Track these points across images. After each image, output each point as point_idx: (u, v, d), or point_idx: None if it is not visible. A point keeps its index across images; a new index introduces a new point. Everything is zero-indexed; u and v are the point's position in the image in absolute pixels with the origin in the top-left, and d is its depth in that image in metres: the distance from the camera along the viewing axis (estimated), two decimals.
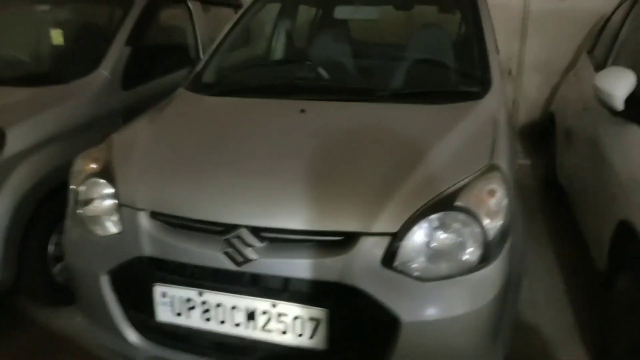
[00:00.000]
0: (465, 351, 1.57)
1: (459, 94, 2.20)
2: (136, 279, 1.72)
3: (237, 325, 1.63)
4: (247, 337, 1.64)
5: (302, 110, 2.06)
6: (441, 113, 2.05)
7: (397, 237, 1.51)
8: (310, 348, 1.59)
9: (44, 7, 3.38)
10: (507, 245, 1.59)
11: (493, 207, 1.60)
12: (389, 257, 1.51)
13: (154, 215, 1.70)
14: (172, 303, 1.68)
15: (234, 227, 1.59)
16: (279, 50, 3.05)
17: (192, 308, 1.66)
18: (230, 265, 1.58)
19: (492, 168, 1.70)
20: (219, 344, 1.69)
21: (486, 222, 1.56)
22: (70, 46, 3.17)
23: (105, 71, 2.92)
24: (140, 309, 1.74)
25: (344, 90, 2.30)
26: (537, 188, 4.25)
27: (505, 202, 1.62)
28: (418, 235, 1.52)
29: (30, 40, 3.27)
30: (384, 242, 1.51)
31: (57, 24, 3.28)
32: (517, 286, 1.75)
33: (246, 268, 1.57)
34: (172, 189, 1.73)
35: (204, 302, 1.65)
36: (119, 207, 1.75)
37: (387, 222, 1.53)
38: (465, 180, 1.62)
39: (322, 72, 2.37)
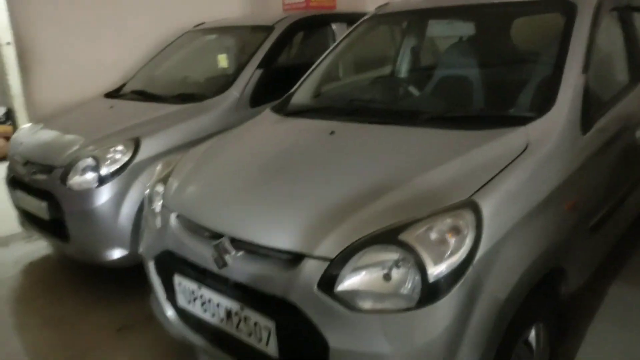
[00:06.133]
0: None
1: (505, 118, 2.01)
2: (166, 268, 2.10)
3: (222, 320, 1.87)
4: (229, 332, 1.86)
5: (332, 133, 2.17)
6: (466, 140, 1.91)
7: (333, 264, 1.54)
8: (267, 354, 1.73)
9: (211, 37, 4.12)
10: (461, 286, 1.46)
11: (450, 246, 1.49)
12: (326, 282, 1.55)
13: (178, 216, 2.05)
14: (184, 292, 2.01)
15: (221, 235, 1.83)
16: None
17: (195, 299, 1.96)
18: (214, 267, 1.82)
19: (466, 205, 1.56)
20: (215, 333, 1.95)
21: (429, 261, 1.46)
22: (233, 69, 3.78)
23: (235, 91, 3.45)
24: (170, 292, 2.12)
25: (389, 113, 2.31)
26: None
27: (468, 243, 1.49)
28: (353, 264, 1.52)
29: (193, 65, 4.03)
30: (323, 266, 1.56)
31: (219, 51, 3.96)
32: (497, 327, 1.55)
33: (224, 272, 1.80)
34: (192, 197, 2.07)
35: (201, 296, 1.93)
36: (162, 207, 2.16)
37: (328, 248, 1.57)
38: (424, 214, 1.54)
39: (385, 95, 2.41)
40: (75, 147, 3.08)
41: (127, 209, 2.94)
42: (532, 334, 1.83)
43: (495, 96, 2.29)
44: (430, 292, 1.45)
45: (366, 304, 1.50)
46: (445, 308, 1.45)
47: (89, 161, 2.94)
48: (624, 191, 2.49)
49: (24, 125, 3.96)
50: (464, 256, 1.48)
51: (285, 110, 2.64)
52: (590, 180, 2.06)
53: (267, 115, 2.68)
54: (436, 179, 1.70)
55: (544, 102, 2.00)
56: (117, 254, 2.96)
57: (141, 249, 2.32)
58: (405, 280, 1.47)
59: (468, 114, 2.13)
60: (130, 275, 3.06)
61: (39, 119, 4.06)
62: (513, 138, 1.86)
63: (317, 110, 2.55)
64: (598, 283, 2.79)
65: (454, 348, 1.46)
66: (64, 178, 2.98)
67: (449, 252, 1.48)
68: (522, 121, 1.95)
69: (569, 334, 2.43)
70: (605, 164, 2.22)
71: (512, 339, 1.65)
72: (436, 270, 1.46)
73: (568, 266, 1.93)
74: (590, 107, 2.11)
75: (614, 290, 2.82)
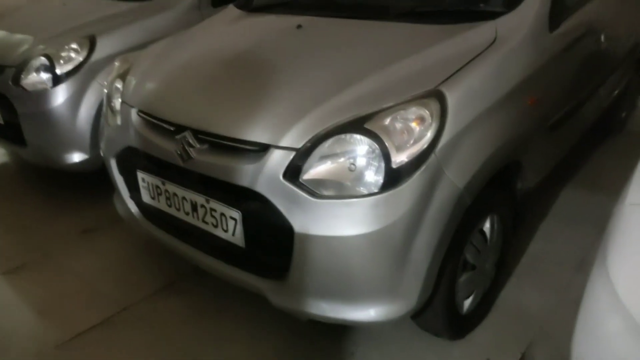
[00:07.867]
0: (359, 271, 1.56)
1: (475, 13, 1.99)
2: (128, 165, 2.07)
3: (187, 214, 1.88)
4: (194, 225, 1.88)
5: (299, 26, 2.10)
6: (435, 34, 1.88)
7: (299, 153, 1.55)
8: (234, 244, 1.76)
9: None
10: (422, 172, 1.49)
11: (414, 134, 1.51)
12: (292, 171, 1.56)
13: (139, 112, 1.99)
14: (148, 188, 1.99)
15: (184, 128, 1.79)
16: None
17: (160, 194, 1.95)
18: (179, 161, 1.80)
19: (431, 94, 1.56)
20: (180, 227, 1.97)
21: (393, 149, 1.48)
22: None
23: None
24: (133, 190, 2.10)
25: (358, 8, 2.25)
26: None
27: (432, 132, 1.51)
28: (318, 154, 1.53)
29: None
30: (289, 156, 1.56)
31: None
32: (454, 214, 1.60)
33: (189, 165, 1.78)
34: (153, 92, 2.00)
35: (166, 191, 1.92)
36: (122, 104, 2.09)
37: (294, 138, 1.56)
38: (390, 104, 1.54)
39: None
40: (26, 46, 2.90)
41: (85, 111, 2.84)
42: (487, 224, 1.91)
43: None
44: (393, 178, 1.48)
45: (331, 191, 1.53)
46: (406, 193, 1.49)
47: (42, 60, 2.79)
48: (585, 94, 2.54)
49: None
50: (427, 144, 1.50)
51: (250, 6, 2.53)
52: (553, 78, 2.08)
53: (230, 11, 2.56)
54: (403, 71, 1.68)
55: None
56: (76, 157, 2.90)
57: (101, 148, 2.26)
58: (370, 167, 1.49)
59: (438, 9, 2.08)
60: (92, 180, 3.03)
61: None
62: (481, 32, 1.84)
63: (284, 5, 2.45)
64: (552, 186, 2.92)
65: (414, 231, 1.51)
66: (16, 78, 2.83)
67: (412, 140, 1.50)
68: (491, 16, 1.92)
69: (522, 229, 2.57)
70: (569, 64, 2.24)
71: (467, 226, 1.72)
72: (399, 157, 1.48)
73: (525, 161, 1.99)
74: (559, 6, 2.10)
75: (567, 193, 2.96)
